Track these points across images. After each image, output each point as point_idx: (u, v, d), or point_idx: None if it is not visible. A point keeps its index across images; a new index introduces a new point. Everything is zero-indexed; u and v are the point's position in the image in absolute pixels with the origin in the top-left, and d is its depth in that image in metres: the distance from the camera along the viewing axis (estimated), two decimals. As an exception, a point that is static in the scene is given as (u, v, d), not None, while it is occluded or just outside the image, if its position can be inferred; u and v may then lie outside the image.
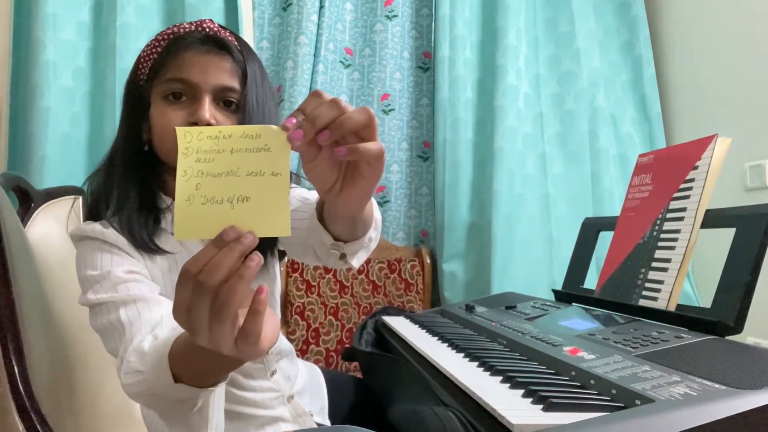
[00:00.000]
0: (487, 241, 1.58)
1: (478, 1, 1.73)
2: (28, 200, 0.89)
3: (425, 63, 1.78)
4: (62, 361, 0.80)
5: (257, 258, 0.40)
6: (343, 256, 0.67)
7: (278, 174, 0.42)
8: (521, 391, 0.57)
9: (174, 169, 0.73)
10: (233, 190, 0.41)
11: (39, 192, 0.92)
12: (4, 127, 1.45)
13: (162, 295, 0.68)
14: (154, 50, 0.72)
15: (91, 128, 1.50)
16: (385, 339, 1.05)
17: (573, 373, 0.60)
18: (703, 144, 0.79)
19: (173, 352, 0.51)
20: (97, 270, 0.65)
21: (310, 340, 1.56)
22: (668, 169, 0.86)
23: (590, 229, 1.11)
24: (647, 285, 0.82)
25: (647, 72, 1.72)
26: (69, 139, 1.44)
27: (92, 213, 0.73)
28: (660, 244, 0.82)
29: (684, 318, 0.72)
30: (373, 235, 0.70)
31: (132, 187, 0.71)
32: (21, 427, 0.58)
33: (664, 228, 0.82)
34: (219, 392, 0.59)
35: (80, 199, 0.95)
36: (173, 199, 0.75)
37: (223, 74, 0.70)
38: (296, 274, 1.59)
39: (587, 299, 0.96)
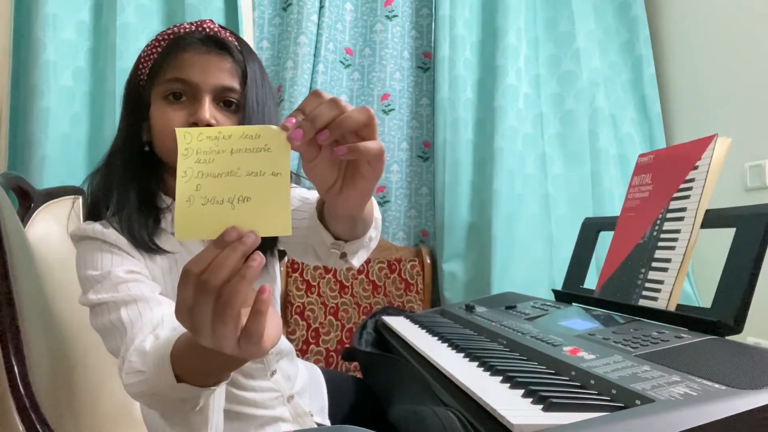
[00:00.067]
0: (487, 241, 1.58)
1: (478, 1, 1.73)
2: (28, 200, 0.89)
3: (425, 63, 1.78)
4: (62, 361, 0.80)
5: (259, 258, 0.40)
6: (343, 256, 0.67)
7: (278, 174, 0.42)
8: (521, 391, 0.57)
9: (174, 170, 0.73)
10: (234, 191, 0.41)
11: (39, 192, 0.92)
12: (4, 127, 1.45)
13: (162, 294, 0.68)
14: (154, 50, 0.72)
15: (91, 128, 1.50)
16: (385, 339, 1.05)
17: (573, 373, 0.60)
18: (703, 144, 0.79)
19: (175, 351, 0.51)
20: (98, 270, 0.65)
21: (310, 340, 1.56)
22: (668, 169, 0.86)
23: (590, 229, 1.11)
24: (647, 285, 0.82)
25: (647, 72, 1.72)
26: (69, 139, 1.44)
27: (92, 213, 0.73)
28: (660, 244, 0.82)
29: (684, 318, 0.72)
30: (374, 234, 0.70)
31: (132, 187, 0.71)
32: (21, 427, 0.58)
33: (664, 228, 0.82)
34: (219, 392, 0.59)
35: (80, 199, 0.95)
36: (173, 199, 0.75)
37: (223, 74, 0.70)
38: (296, 274, 1.59)
39: (587, 299, 0.96)
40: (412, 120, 1.76)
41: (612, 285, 0.91)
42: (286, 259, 1.55)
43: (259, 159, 0.42)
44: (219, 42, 0.71)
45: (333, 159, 0.45)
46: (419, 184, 1.75)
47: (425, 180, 1.75)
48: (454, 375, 0.64)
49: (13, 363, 0.60)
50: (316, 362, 1.49)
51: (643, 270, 0.84)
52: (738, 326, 0.66)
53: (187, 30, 0.72)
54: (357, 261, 0.70)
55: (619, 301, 0.86)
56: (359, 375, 1.27)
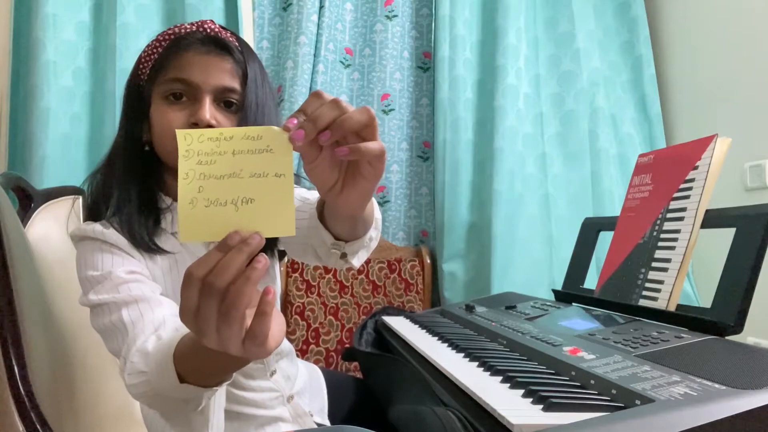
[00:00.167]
0: (487, 241, 1.58)
1: (478, 1, 1.73)
2: (28, 200, 0.89)
3: (425, 63, 1.78)
4: (62, 361, 0.80)
5: (263, 260, 0.40)
6: (343, 256, 0.67)
7: (282, 175, 0.42)
8: (521, 391, 0.57)
9: (174, 170, 0.73)
10: (237, 192, 0.41)
11: (39, 192, 0.92)
12: (4, 127, 1.45)
13: (163, 295, 0.68)
14: (154, 50, 0.72)
15: (91, 128, 1.50)
16: (385, 339, 1.05)
17: (573, 373, 0.60)
18: (703, 144, 0.79)
19: (178, 352, 0.51)
20: (98, 270, 0.66)
21: (310, 340, 1.56)
22: (668, 169, 0.86)
23: (590, 229, 1.11)
24: (647, 285, 0.82)
25: (647, 72, 1.72)
26: (69, 139, 1.44)
27: (92, 213, 0.73)
28: (660, 244, 0.82)
29: (684, 318, 0.72)
30: (374, 234, 0.70)
31: (132, 187, 0.71)
32: (21, 427, 0.58)
33: (664, 228, 0.82)
34: (220, 392, 0.59)
35: (80, 199, 0.95)
36: (173, 199, 0.75)
37: (223, 75, 0.70)
38: (296, 274, 1.59)
39: (587, 299, 0.96)
40: (412, 120, 1.76)
41: (612, 285, 0.91)
42: (286, 259, 1.55)
43: (262, 160, 0.42)
44: (220, 42, 0.71)
45: (334, 159, 0.45)
46: (419, 184, 1.75)
47: (425, 180, 1.75)
48: (454, 375, 0.64)
49: (13, 363, 0.60)
50: (316, 362, 1.49)
51: (643, 270, 0.84)
52: (738, 326, 0.66)
53: (187, 30, 0.72)
54: (357, 261, 0.70)
55: (619, 301, 0.86)
56: (359, 375, 1.27)
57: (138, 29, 1.49)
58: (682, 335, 0.66)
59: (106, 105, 1.46)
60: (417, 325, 1.04)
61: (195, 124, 0.67)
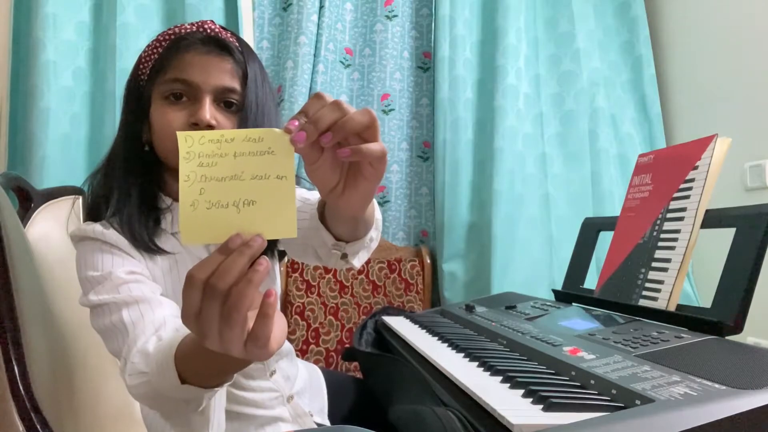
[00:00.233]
0: (487, 241, 1.58)
1: (478, 1, 1.73)
2: (28, 200, 0.89)
3: (425, 63, 1.78)
4: (62, 361, 0.80)
5: (265, 262, 0.40)
6: (344, 256, 0.67)
7: (283, 177, 0.42)
8: (521, 391, 0.57)
9: (174, 170, 0.73)
10: (238, 194, 0.41)
11: (39, 192, 0.92)
12: (4, 127, 1.45)
13: (163, 295, 0.68)
14: (155, 50, 0.72)
15: (91, 128, 1.50)
16: (385, 339, 1.05)
17: (573, 373, 0.60)
18: (703, 144, 0.79)
19: (179, 353, 0.51)
20: (98, 271, 0.65)
21: (310, 340, 1.56)
22: (668, 169, 0.86)
23: (590, 229, 1.11)
24: (647, 285, 0.82)
25: (647, 72, 1.72)
26: (69, 140, 1.44)
27: (92, 213, 0.73)
28: (660, 244, 0.82)
29: (684, 318, 0.72)
30: (374, 235, 0.70)
31: (132, 187, 0.71)
32: (21, 427, 0.58)
33: (664, 228, 0.82)
34: (220, 392, 0.59)
35: (80, 200, 0.95)
36: (173, 199, 0.75)
37: (223, 75, 0.70)
38: (296, 274, 1.59)
39: (587, 299, 0.96)
40: (412, 120, 1.76)
41: (612, 285, 0.91)
42: (286, 259, 1.55)
43: (264, 162, 0.42)
44: (220, 43, 0.71)
45: (335, 161, 0.46)
46: (419, 184, 1.75)
47: (425, 180, 1.75)
48: (454, 375, 0.64)
49: (13, 363, 0.60)
50: (316, 362, 1.49)
51: (643, 270, 0.84)
52: (738, 326, 0.66)
53: (188, 30, 0.72)
54: (358, 261, 0.70)
55: (619, 301, 0.86)
56: (359, 375, 1.27)
57: (138, 29, 1.49)
58: (682, 335, 0.66)
59: (106, 105, 1.46)
60: (417, 325, 1.04)
61: (195, 124, 0.67)
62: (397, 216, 1.72)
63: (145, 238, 0.69)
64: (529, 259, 1.59)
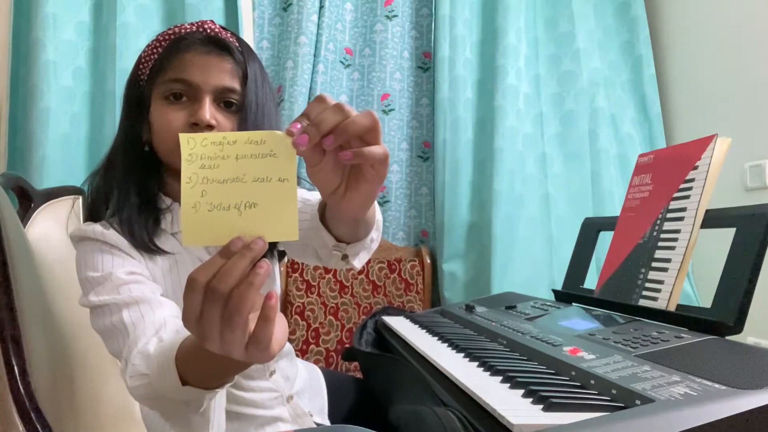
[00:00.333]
0: (487, 241, 1.58)
1: (478, 1, 1.73)
2: (28, 200, 0.89)
3: (425, 63, 1.78)
4: (62, 361, 0.80)
5: (266, 265, 0.40)
6: (345, 257, 0.67)
7: (285, 179, 0.42)
8: (521, 391, 0.57)
9: (174, 170, 0.73)
10: (240, 197, 0.41)
11: (39, 192, 0.92)
12: (4, 127, 1.45)
13: (163, 295, 0.68)
14: (155, 50, 0.72)
15: (91, 128, 1.50)
16: (385, 339, 1.05)
17: (573, 373, 0.60)
18: (703, 144, 0.79)
19: (180, 355, 0.51)
20: (98, 271, 0.65)
21: (310, 340, 1.56)
22: (668, 169, 0.86)
23: (590, 229, 1.11)
24: (647, 285, 0.82)
25: (647, 72, 1.72)
26: (69, 140, 1.44)
27: (92, 213, 0.73)
28: (660, 244, 0.82)
29: (684, 318, 0.72)
30: (375, 235, 0.70)
31: (132, 187, 0.71)
32: (21, 427, 0.58)
33: (664, 228, 0.82)
34: (221, 393, 0.59)
35: (80, 200, 0.95)
36: (173, 199, 0.75)
37: (223, 75, 0.70)
38: (296, 274, 1.59)
39: (587, 299, 0.96)
40: (412, 120, 1.76)
41: (612, 285, 0.91)
42: (286, 259, 1.55)
43: (266, 165, 0.42)
44: (220, 43, 0.71)
45: (337, 163, 0.46)
46: (419, 184, 1.75)
47: (425, 180, 1.75)
48: (454, 375, 0.64)
49: (13, 363, 0.60)
50: (316, 362, 1.49)
51: (643, 270, 0.84)
52: (738, 326, 0.66)
53: (188, 30, 0.72)
54: (358, 262, 0.70)
55: (619, 301, 0.86)
56: (359, 375, 1.27)
57: (138, 29, 1.49)
58: (682, 335, 0.66)
59: (106, 105, 1.46)
60: (417, 325, 1.04)
61: (195, 124, 0.67)
62: (397, 216, 1.72)
63: (144, 238, 0.69)
64: (529, 259, 1.59)
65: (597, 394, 0.54)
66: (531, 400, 0.54)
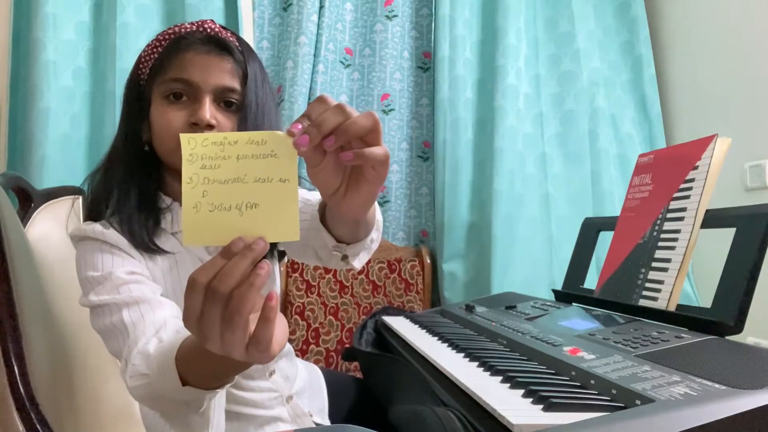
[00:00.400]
0: (487, 241, 1.58)
1: (478, 1, 1.73)
2: (28, 200, 0.89)
3: (425, 63, 1.78)
4: (62, 361, 0.80)
5: (266, 266, 0.40)
6: (345, 258, 0.67)
7: (286, 180, 0.42)
8: (521, 391, 0.57)
9: (174, 170, 0.73)
10: (241, 197, 0.41)
11: (39, 192, 0.92)
12: (4, 127, 1.45)
13: (163, 295, 0.68)
14: (155, 50, 0.72)
15: (91, 128, 1.50)
16: (385, 339, 1.05)
17: (573, 373, 0.60)
18: (703, 144, 0.79)
19: (180, 355, 0.51)
20: (98, 271, 0.65)
21: (310, 340, 1.56)
22: (668, 169, 0.86)
23: (590, 229, 1.11)
24: (647, 285, 0.82)
25: (647, 72, 1.72)
26: (69, 140, 1.44)
27: (92, 213, 0.73)
28: (660, 244, 0.82)
29: (684, 318, 0.72)
30: (375, 236, 0.70)
31: (132, 187, 0.71)
32: (21, 427, 0.58)
33: (664, 228, 0.82)
34: (220, 393, 0.59)
35: (80, 199, 0.95)
36: (173, 199, 0.75)
37: (223, 75, 0.70)
38: (296, 274, 1.59)
39: (587, 299, 0.96)
40: (412, 120, 1.76)
41: (612, 285, 0.91)
42: (286, 259, 1.55)
43: (266, 165, 0.42)
44: (220, 42, 0.71)
45: (338, 164, 0.45)
46: (419, 184, 1.75)
47: (425, 180, 1.75)
48: (454, 375, 0.64)
49: (13, 363, 0.60)
50: (316, 362, 1.49)
51: (643, 270, 0.84)
52: (738, 326, 0.66)
53: (188, 30, 0.72)
54: (358, 263, 0.70)
55: (619, 301, 0.86)
56: (359, 375, 1.27)
57: (138, 29, 1.49)
58: (682, 335, 0.66)
59: (106, 105, 1.46)
60: (417, 325, 1.04)
61: (195, 124, 0.67)
62: (397, 216, 1.72)
63: (144, 237, 0.69)
64: (529, 259, 1.59)
65: (597, 394, 0.54)
66: (531, 400, 0.54)
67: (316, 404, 0.91)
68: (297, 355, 0.94)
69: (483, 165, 1.66)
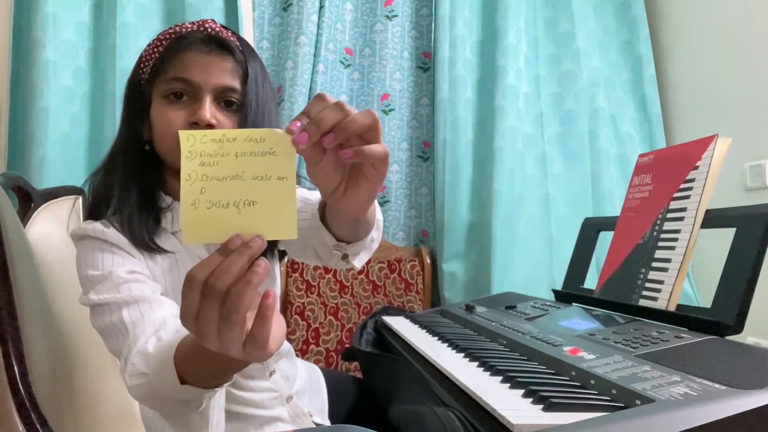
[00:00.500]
0: (487, 241, 1.58)
1: (478, 1, 1.73)
2: (28, 200, 0.89)
3: (425, 63, 1.78)
4: (62, 361, 0.80)
5: (264, 263, 0.40)
6: (345, 257, 0.67)
7: (284, 178, 0.42)
8: (521, 391, 0.57)
9: (174, 169, 0.73)
10: (239, 194, 0.41)
11: (39, 192, 0.92)
12: (4, 127, 1.45)
13: (163, 294, 0.68)
14: (155, 50, 0.72)
15: (91, 129, 1.50)
16: (385, 339, 1.05)
17: (573, 373, 0.60)
18: (703, 144, 0.79)
19: (179, 354, 0.51)
20: (99, 270, 0.65)
21: (310, 340, 1.56)
22: (668, 169, 0.86)
23: (590, 229, 1.11)
24: (647, 285, 0.82)
25: (647, 72, 1.72)
26: (69, 140, 1.44)
27: (93, 212, 0.73)
28: (660, 244, 0.82)
29: (684, 318, 0.72)
30: (375, 235, 0.70)
31: (132, 186, 0.71)
32: (21, 427, 0.58)
33: (664, 228, 0.82)
34: (220, 392, 0.59)
35: (80, 199, 0.95)
36: (174, 198, 0.75)
37: (224, 74, 0.70)
38: (296, 274, 1.59)
39: (587, 299, 0.96)
40: (412, 120, 1.76)
41: (612, 285, 0.91)
42: (286, 259, 1.55)
43: (265, 163, 0.42)
44: (221, 42, 0.71)
45: (337, 162, 0.45)
46: (419, 184, 1.75)
47: (425, 180, 1.75)
48: (455, 375, 0.64)
49: (13, 363, 0.60)
50: (316, 362, 1.49)
51: (643, 270, 0.84)
52: (738, 326, 0.66)
53: (188, 30, 0.72)
54: (359, 262, 0.70)
55: (619, 301, 0.86)
56: (359, 375, 1.27)
57: (138, 29, 1.49)
58: (682, 335, 0.66)
59: (106, 105, 1.46)
60: (417, 325, 1.04)
61: (195, 123, 0.67)
62: (397, 216, 1.72)
63: (145, 237, 0.69)
64: (529, 259, 1.59)
65: (597, 394, 0.54)
66: (531, 400, 0.54)
67: (316, 404, 0.91)
68: (297, 355, 0.94)
69: (483, 165, 1.66)
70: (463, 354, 0.76)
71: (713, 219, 0.76)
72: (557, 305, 0.97)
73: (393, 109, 1.72)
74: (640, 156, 0.96)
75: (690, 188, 0.80)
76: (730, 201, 1.09)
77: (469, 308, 1.07)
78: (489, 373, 0.65)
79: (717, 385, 0.48)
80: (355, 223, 0.62)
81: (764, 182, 1.38)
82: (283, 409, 0.81)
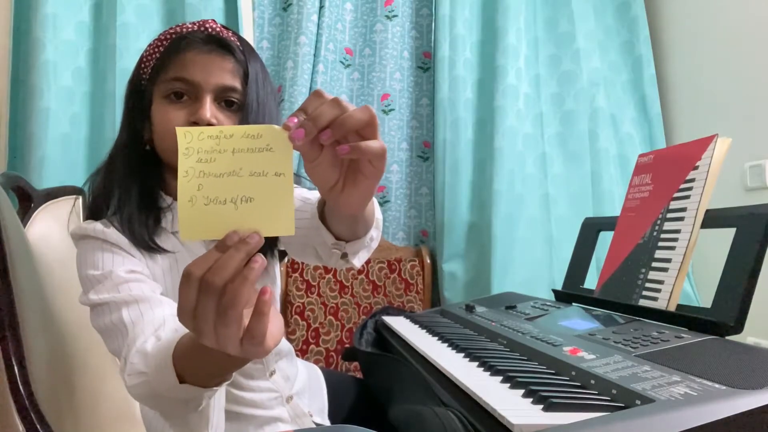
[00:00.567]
0: (487, 241, 1.58)
1: (478, 1, 1.73)
2: (28, 200, 0.89)
3: (425, 63, 1.78)
4: (62, 360, 0.80)
5: (260, 260, 0.40)
6: (344, 256, 0.67)
7: (281, 174, 0.42)
8: (521, 391, 0.57)
9: (174, 169, 0.73)
10: (236, 191, 0.41)
11: (39, 192, 0.92)
12: (4, 127, 1.45)
13: (163, 294, 0.68)
14: (156, 49, 0.72)
15: (90, 129, 1.50)
16: (386, 339, 1.05)
17: (573, 373, 0.60)
18: (703, 144, 0.79)
19: (177, 353, 0.51)
20: (99, 270, 0.65)
21: (310, 340, 1.56)
22: (668, 169, 0.86)
23: (590, 229, 1.11)
24: (647, 285, 0.82)
25: (647, 72, 1.72)
26: (69, 140, 1.44)
27: (93, 212, 0.73)
28: (660, 244, 0.82)
29: (684, 318, 0.72)
30: (375, 234, 0.70)
31: (133, 186, 0.72)
32: (21, 427, 0.58)
33: (664, 228, 0.82)
34: (220, 392, 0.59)
35: (80, 199, 0.95)
36: (174, 198, 0.75)
37: (224, 74, 0.70)
38: (296, 274, 1.59)
39: (587, 299, 0.96)
40: (412, 120, 1.76)
41: (612, 285, 0.91)
42: (286, 259, 1.55)
43: (262, 159, 0.42)
44: (221, 42, 0.71)
45: (335, 158, 0.45)
46: (419, 184, 1.75)
47: (425, 180, 1.75)
48: (455, 375, 0.64)
49: (13, 363, 0.60)
50: (316, 362, 1.49)
51: (643, 270, 0.84)
52: (738, 326, 0.66)
53: (189, 30, 0.72)
54: (358, 261, 0.70)
55: (619, 301, 0.86)
56: (359, 375, 1.27)
57: (138, 29, 1.49)
58: (682, 335, 0.66)
59: (106, 105, 1.46)
60: (417, 325, 1.04)
61: (195, 123, 0.67)
62: (397, 216, 1.72)
63: (145, 236, 0.69)
64: (529, 259, 1.59)
65: (597, 394, 0.54)
66: (531, 400, 0.54)
67: (316, 404, 0.91)
68: (297, 355, 0.94)
69: (483, 165, 1.66)
70: (463, 354, 0.76)
71: (713, 219, 0.76)
72: (557, 305, 0.97)
73: (393, 109, 1.72)
74: (640, 156, 0.96)
75: (690, 188, 0.80)
76: (730, 201, 1.09)
77: (469, 308, 1.07)
78: (489, 373, 0.65)
79: (717, 385, 0.48)
80: (353, 220, 0.62)
81: (764, 182, 1.38)
82: (283, 410, 0.81)
